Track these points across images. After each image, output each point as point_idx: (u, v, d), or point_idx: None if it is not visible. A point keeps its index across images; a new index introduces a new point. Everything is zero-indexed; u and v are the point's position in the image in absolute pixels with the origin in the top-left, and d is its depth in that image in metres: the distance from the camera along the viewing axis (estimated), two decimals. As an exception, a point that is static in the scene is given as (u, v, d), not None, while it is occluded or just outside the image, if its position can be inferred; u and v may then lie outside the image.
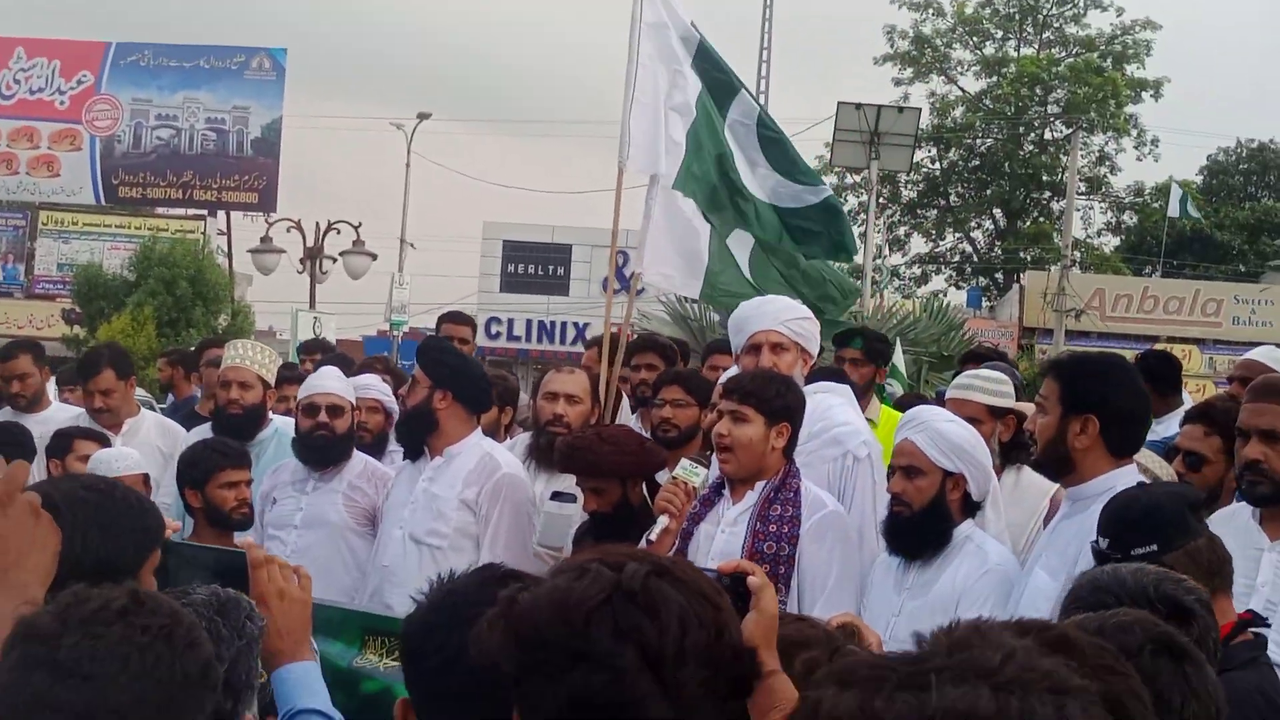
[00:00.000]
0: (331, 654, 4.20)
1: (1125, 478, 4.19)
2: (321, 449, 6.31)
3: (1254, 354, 7.62)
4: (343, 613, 4.63)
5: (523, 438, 6.73)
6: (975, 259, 55.66)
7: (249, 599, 2.90)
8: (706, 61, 7.79)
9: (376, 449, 6.76)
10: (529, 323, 40.81)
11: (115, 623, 2.08)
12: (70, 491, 2.73)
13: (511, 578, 2.52)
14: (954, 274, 56.39)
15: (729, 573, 2.84)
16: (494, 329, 40.77)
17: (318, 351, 10.06)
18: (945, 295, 46.39)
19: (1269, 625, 3.50)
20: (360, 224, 29.46)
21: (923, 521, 4.62)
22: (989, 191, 53.03)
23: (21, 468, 2.47)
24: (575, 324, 38.98)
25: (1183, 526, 3.41)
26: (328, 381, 6.50)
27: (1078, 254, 46.31)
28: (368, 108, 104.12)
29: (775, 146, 7.98)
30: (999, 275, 53.90)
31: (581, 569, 1.93)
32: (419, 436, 5.85)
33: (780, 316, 5.60)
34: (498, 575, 2.56)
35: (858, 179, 30.25)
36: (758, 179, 7.86)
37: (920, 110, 35.51)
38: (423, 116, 44.94)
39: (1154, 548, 3.35)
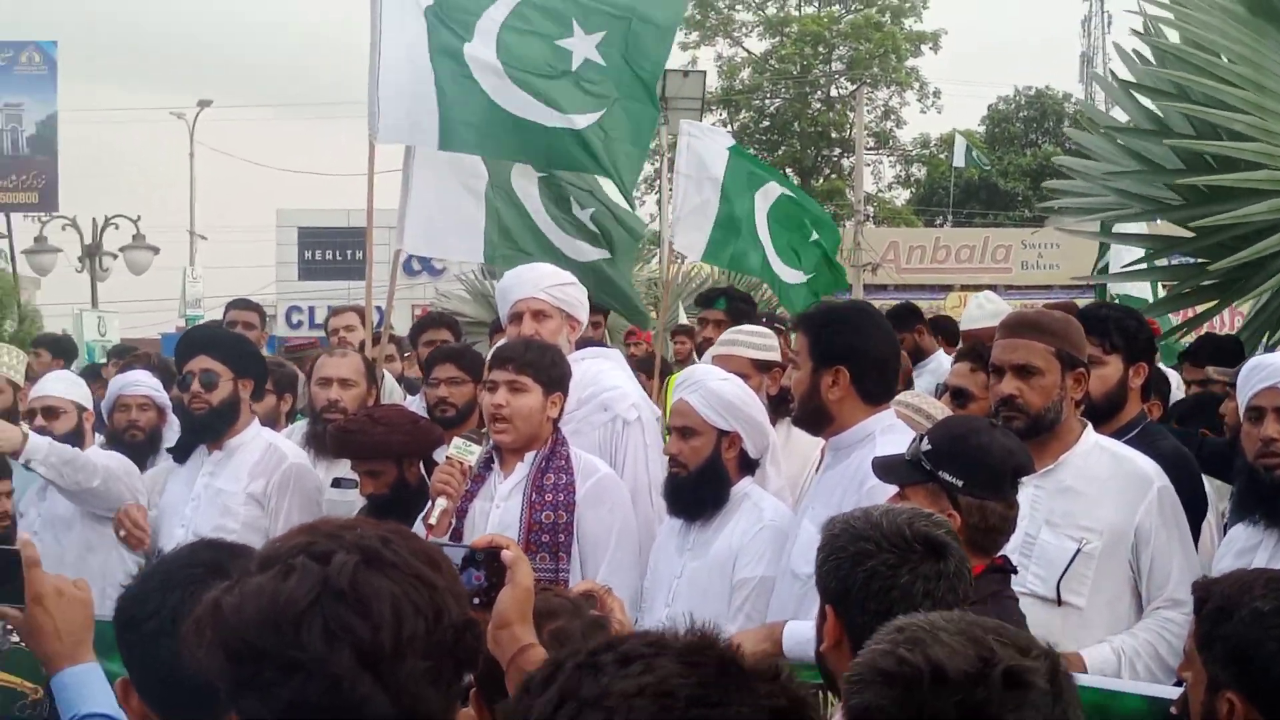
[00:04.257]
0: (112, 672, 4.02)
1: (882, 423, 4.30)
2: None
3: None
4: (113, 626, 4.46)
5: (299, 425, 6.61)
6: (772, 219, 56.25)
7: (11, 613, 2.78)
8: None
9: (151, 446, 6.54)
10: (330, 309, 40.04)
11: None
12: None
13: (221, 547, 2.48)
14: (752, 235, 56.92)
15: (482, 548, 2.80)
16: (295, 318, 39.96)
17: (126, 355, 9.77)
18: (745, 256, 46.82)
19: (1016, 571, 3.63)
20: (139, 217, 28.36)
21: (699, 481, 4.64)
22: (780, 151, 53.65)
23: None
24: (378, 307, 38.21)
25: (994, 485, 3.54)
26: (44, 384, 6.35)
27: (870, 208, 47.21)
28: (148, 97, 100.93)
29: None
30: (796, 234, 54.55)
31: (287, 566, 1.83)
32: (219, 431, 5.64)
33: (541, 284, 5.56)
34: (206, 543, 2.52)
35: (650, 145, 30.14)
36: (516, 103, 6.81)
37: (705, 73, 35.74)
38: (203, 104, 44.15)
39: (960, 484, 3.50)
